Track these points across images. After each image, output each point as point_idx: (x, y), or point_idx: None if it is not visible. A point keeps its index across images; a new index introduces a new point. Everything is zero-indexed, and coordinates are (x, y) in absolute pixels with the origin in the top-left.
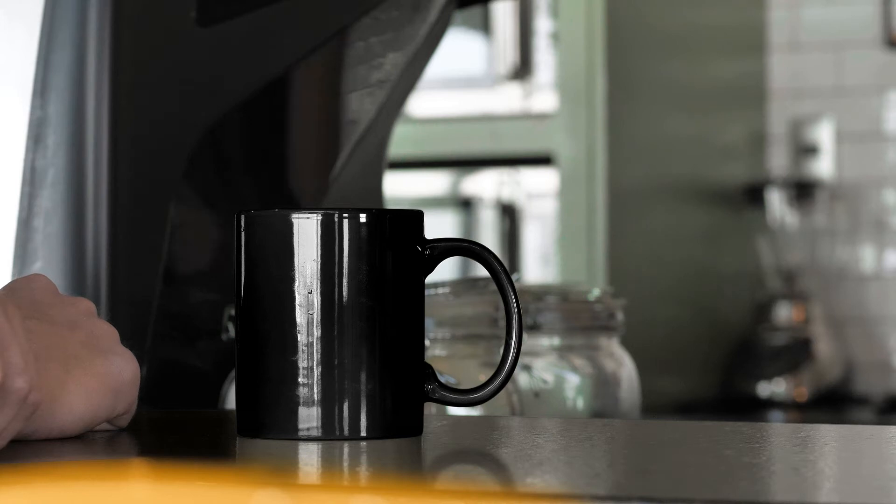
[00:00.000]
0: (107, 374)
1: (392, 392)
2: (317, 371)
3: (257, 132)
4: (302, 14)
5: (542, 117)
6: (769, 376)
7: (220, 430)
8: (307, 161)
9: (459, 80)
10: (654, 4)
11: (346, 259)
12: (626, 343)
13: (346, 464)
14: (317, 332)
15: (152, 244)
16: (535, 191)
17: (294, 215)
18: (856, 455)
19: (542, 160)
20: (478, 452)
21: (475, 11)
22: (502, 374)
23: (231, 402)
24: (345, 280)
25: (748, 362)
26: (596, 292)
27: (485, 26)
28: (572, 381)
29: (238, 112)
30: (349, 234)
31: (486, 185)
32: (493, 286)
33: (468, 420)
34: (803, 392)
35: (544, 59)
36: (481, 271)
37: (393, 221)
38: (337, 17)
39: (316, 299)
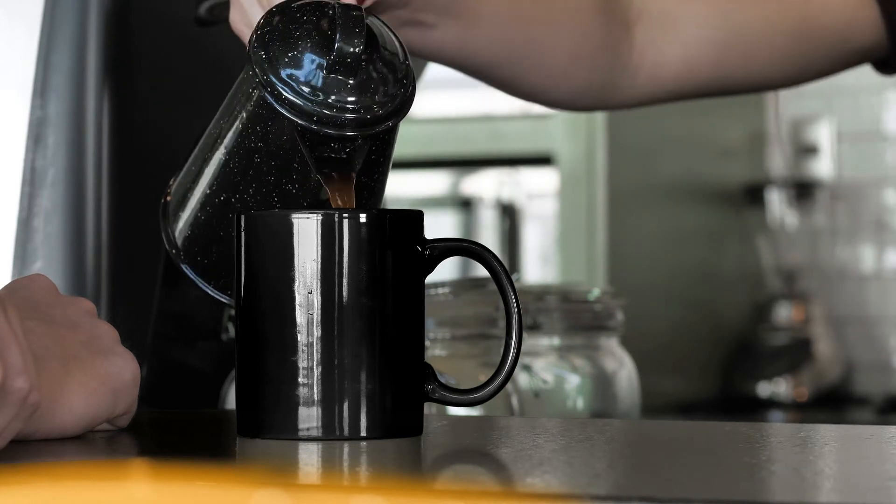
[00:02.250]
0: (107, 374)
1: (392, 392)
2: (317, 371)
3: None
4: None
5: (542, 117)
6: (769, 376)
7: (220, 430)
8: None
9: (459, 80)
10: None
11: (346, 259)
12: (626, 343)
13: (346, 464)
14: (317, 332)
15: (152, 244)
16: (535, 191)
17: (294, 215)
18: (856, 455)
19: (542, 160)
20: (478, 452)
21: None
22: (502, 374)
23: (231, 402)
24: (345, 280)
25: (748, 362)
26: (596, 292)
27: None
28: (572, 381)
29: None
30: (349, 234)
31: (486, 185)
32: (493, 286)
33: (468, 420)
34: (803, 392)
35: None
36: (481, 271)
37: (393, 221)
38: None
39: (316, 299)
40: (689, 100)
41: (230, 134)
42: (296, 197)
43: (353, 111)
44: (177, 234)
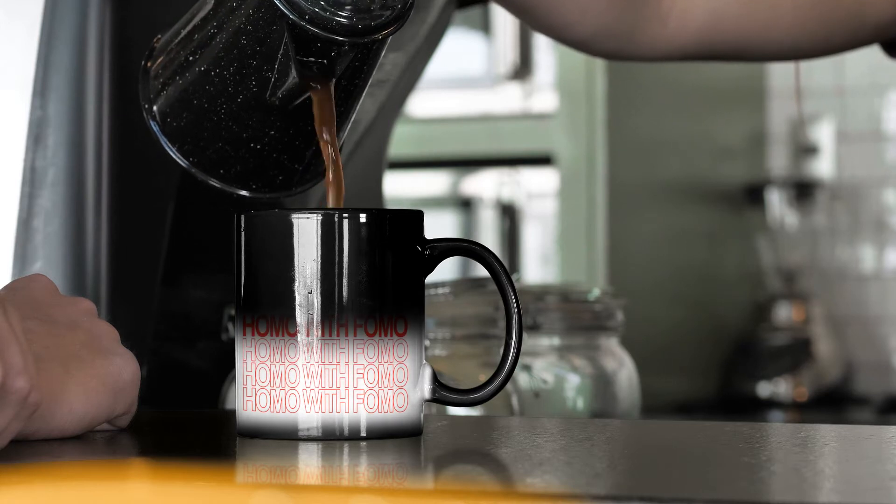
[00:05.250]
0: (107, 374)
1: (392, 392)
2: (317, 371)
3: None
4: None
5: (542, 117)
6: (769, 376)
7: (220, 430)
8: None
9: (459, 80)
10: None
11: (346, 259)
12: (626, 343)
13: (346, 464)
14: (317, 333)
15: (152, 244)
16: (535, 191)
17: (294, 215)
18: (856, 455)
19: (542, 160)
20: (478, 452)
21: (475, 11)
22: (502, 374)
23: (231, 402)
24: (345, 280)
25: (748, 362)
26: (596, 292)
27: (485, 26)
28: (572, 381)
29: None
30: (349, 234)
31: (486, 185)
32: (493, 286)
33: (468, 420)
34: (803, 392)
35: (544, 59)
36: (481, 271)
37: (393, 221)
38: None
39: (316, 299)
40: (714, 60)
41: (223, 9)
42: (274, 86)
43: (346, 17)
44: (151, 91)
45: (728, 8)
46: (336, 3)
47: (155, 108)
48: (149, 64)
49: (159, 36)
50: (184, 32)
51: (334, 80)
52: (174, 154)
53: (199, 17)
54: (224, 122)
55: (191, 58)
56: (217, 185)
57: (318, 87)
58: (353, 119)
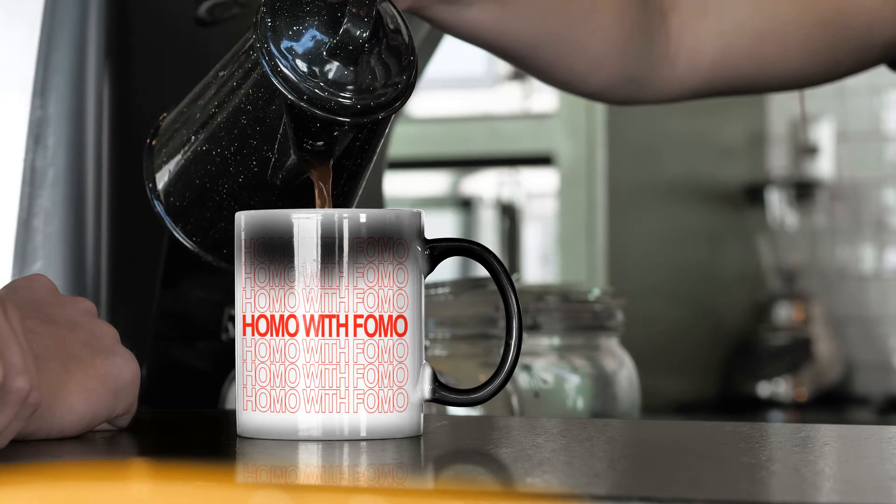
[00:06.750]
0: (107, 374)
1: (392, 392)
2: (317, 372)
3: None
4: None
5: (542, 117)
6: (769, 376)
7: (220, 430)
8: None
9: (459, 80)
10: None
11: (346, 259)
12: (626, 343)
13: (346, 464)
14: (317, 333)
15: (152, 244)
16: (535, 191)
17: (294, 215)
18: (856, 455)
19: (542, 160)
20: (478, 452)
21: None
22: (502, 374)
23: (231, 402)
24: (345, 280)
25: (748, 362)
26: (596, 292)
27: None
28: (572, 381)
29: None
30: (349, 234)
31: (486, 185)
32: (493, 286)
33: (468, 420)
34: (803, 392)
35: None
36: (481, 271)
37: (393, 221)
38: None
39: (316, 299)
40: (725, 96)
41: (224, 89)
42: (275, 167)
43: (346, 98)
44: (156, 170)
45: (736, 45)
46: (336, 84)
47: (159, 187)
48: (153, 142)
49: (164, 115)
50: (187, 111)
51: (333, 160)
52: (178, 234)
53: (203, 96)
54: (226, 202)
55: (192, 137)
56: (214, 264)
57: (318, 167)
58: (358, 196)
